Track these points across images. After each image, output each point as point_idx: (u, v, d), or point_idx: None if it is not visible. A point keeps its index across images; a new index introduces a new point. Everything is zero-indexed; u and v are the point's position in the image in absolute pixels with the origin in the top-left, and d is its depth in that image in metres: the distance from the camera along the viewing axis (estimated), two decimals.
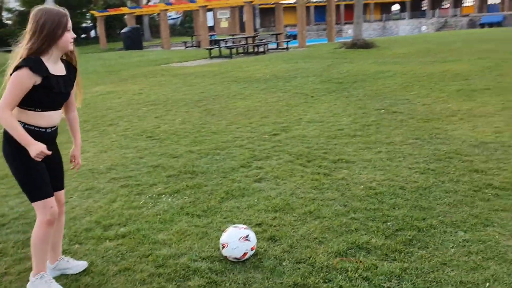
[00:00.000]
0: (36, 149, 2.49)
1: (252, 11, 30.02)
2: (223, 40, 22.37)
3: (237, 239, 3.06)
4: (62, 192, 2.92)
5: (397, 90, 9.18)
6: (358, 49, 18.86)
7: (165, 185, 4.64)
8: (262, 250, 3.21)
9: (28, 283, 2.82)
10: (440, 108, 7.33)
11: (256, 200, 4.09)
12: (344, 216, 3.67)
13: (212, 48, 20.80)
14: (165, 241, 3.43)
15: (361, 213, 3.69)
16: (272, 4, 33.51)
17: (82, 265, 3.06)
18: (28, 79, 2.47)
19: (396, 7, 64.95)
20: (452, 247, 3.10)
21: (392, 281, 2.77)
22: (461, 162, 4.73)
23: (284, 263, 3.04)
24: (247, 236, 3.10)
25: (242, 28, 34.65)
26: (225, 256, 3.11)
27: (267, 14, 52.61)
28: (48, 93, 2.58)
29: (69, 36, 2.59)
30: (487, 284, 2.66)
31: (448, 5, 54.12)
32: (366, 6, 53.15)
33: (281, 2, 29.52)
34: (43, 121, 2.62)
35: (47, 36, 2.50)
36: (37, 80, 2.50)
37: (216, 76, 13.23)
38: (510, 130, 5.78)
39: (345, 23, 51.40)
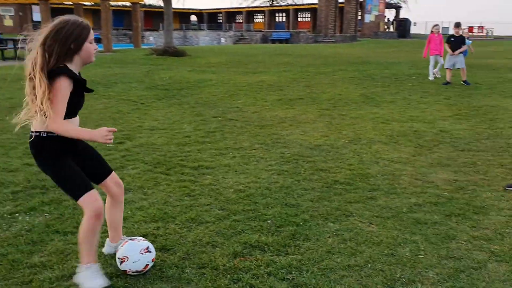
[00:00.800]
0: (101, 134, 2.58)
1: (48, 10, 27.59)
2: (12, 39, 19.61)
3: (138, 252, 2.92)
4: (113, 175, 3.01)
5: (225, 99, 9.68)
6: (170, 56, 19.10)
7: (13, 202, 4.07)
8: (159, 260, 3.13)
9: (77, 274, 2.83)
10: (270, 116, 8.02)
11: (129, 212, 3.91)
12: (226, 219, 3.80)
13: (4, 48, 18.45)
14: (43, 263, 3.05)
15: (241, 215, 3.87)
16: (71, 4, 31.39)
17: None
18: (69, 86, 2.54)
19: (194, 18, 67.43)
20: (329, 237, 3.50)
21: (293, 272, 3.01)
22: (307, 163, 5.31)
23: (187, 270, 3.02)
24: (147, 248, 2.98)
25: (35, 27, 31.51)
26: (124, 271, 2.94)
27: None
28: (79, 100, 2.71)
29: (92, 47, 2.67)
30: (369, 265, 3.11)
31: (241, 20, 58.61)
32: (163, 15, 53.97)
33: (81, 2, 27.95)
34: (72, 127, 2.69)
35: (72, 45, 2.57)
36: (71, 87, 2.57)
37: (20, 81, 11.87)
38: (333, 134, 6.70)
39: (145, 30, 51.20)
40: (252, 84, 11.71)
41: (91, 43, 2.66)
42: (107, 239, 3.21)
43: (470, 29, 43.91)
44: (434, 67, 12.67)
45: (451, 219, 3.81)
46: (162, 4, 22.15)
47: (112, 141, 2.62)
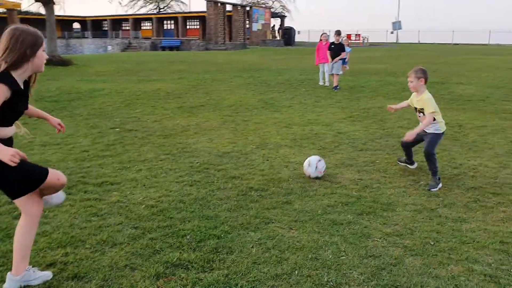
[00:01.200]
0: (8, 153, 2.45)
1: None
2: None
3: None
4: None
5: (121, 108, 9.23)
6: (55, 66, 17.84)
7: None
8: None
9: None
10: (172, 124, 7.79)
11: None
12: (141, 238, 3.56)
13: None
14: None
15: (157, 232, 3.65)
16: None
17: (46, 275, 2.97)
18: (3, 94, 2.49)
19: (77, 26, 63.87)
20: (252, 247, 3.44)
21: None
22: (218, 172, 5.22)
23: None
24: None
25: None
26: None
27: None
28: (15, 109, 2.67)
29: (45, 55, 2.70)
30: (296, 272, 3.09)
31: (128, 28, 56.77)
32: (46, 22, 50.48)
33: None
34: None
35: (25, 52, 2.58)
36: (8, 95, 2.53)
37: None
38: (240, 140, 6.68)
39: None
40: (148, 92, 11.33)
41: (44, 51, 2.71)
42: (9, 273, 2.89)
43: (349, 36, 47.08)
44: (323, 74, 13.18)
45: (363, 218, 3.96)
46: (42, 11, 20.59)
47: (16, 164, 2.44)
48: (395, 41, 56.30)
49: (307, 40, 60.13)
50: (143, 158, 5.73)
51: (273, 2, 64.31)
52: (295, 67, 18.48)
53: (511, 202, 4.28)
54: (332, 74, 12.35)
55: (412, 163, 5.34)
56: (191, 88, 12.31)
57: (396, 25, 56.45)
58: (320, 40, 13.19)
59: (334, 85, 12.11)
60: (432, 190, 4.63)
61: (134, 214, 4.00)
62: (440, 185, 4.72)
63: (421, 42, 55.23)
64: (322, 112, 8.93)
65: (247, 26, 48.00)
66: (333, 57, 12.24)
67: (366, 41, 48.47)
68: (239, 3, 52.46)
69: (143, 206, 4.19)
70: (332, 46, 12.38)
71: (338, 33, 12.73)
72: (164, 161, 5.62)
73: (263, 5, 59.65)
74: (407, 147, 5.20)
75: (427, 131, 4.90)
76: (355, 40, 48.26)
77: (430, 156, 4.82)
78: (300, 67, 18.46)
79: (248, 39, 47.19)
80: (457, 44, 49.26)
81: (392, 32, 56.35)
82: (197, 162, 5.57)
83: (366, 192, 4.59)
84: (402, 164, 5.41)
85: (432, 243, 3.48)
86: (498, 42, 49.77)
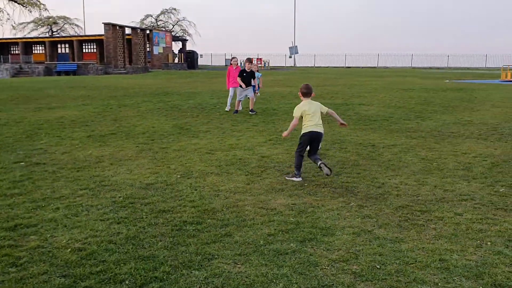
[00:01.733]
0: None
1: None
2: None
3: None
4: None
5: (23, 140, 8.43)
6: None
7: None
8: None
9: None
10: (84, 155, 7.24)
11: None
12: (73, 287, 3.17)
13: None
14: None
15: (90, 280, 3.27)
16: None
17: None
18: None
19: None
20: (200, 287, 3.21)
21: None
22: (145, 206, 4.89)
23: None
24: None
25: None
26: None
27: None
28: None
29: None
30: None
31: (18, 52, 53.08)
32: None
33: None
34: None
35: None
36: None
37: None
38: (162, 169, 6.37)
39: None
40: (51, 121, 10.51)
41: None
42: None
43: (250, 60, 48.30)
44: (233, 99, 12.91)
45: (306, 245, 3.91)
46: None
47: None
48: (293, 65, 58.75)
49: (209, 63, 60.62)
50: (58, 195, 5.21)
51: (173, 26, 64.15)
52: (204, 91, 18.39)
53: (438, 218, 4.50)
54: (241, 100, 12.34)
55: (320, 166, 5.84)
56: (97, 115, 11.66)
57: (293, 50, 59.02)
58: (231, 64, 13.18)
59: (250, 108, 12.16)
60: (286, 178, 5.97)
61: (60, 260, 3.57)
62: (299, 179, 5.87)
63: (316, 65, 58.24)
64: (242, 136, 8.90)
65: (148, 49, 47.20)
66: (246, 84, 12.21)
67: (267, 65, 50.00)
68: (138, 26, 51.54)
69: (69, 250, 3.76)
70: (244, 74, 12.28)
71: (249, 60, 12.81)
72: (83, 197, 5.15)
73: (164, 29, 59.23)
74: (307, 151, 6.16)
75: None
76: (257, 63, 49.59)
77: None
78: (210, 90, 18.41)
79: (149, 62, 46.36)
80: (349, 67, 52.65)
81: (290, 57, 58.79)
82: (120, 197, 5.18)
83: (303, 217, 4.56)
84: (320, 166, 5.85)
85: (379, 267, 3.50)
86: (385, 64, 54.10)
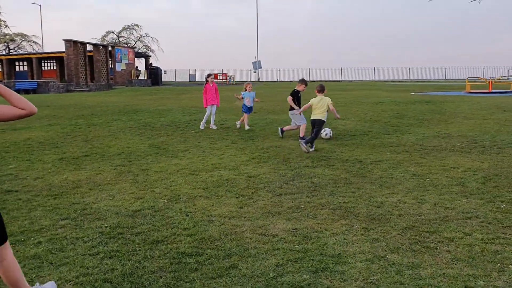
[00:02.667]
0: None
1: None
2: None
3: None
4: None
5: None
6: None
7: None
8: None
9: None
10: (58, 180, 6.75)
11: None
12: None
13: None
14: None
15: None
16: None
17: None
18: None
19: None
20: None
21: None
22: (136, 236, 4.50)
23: None
24: None
25: None
26: None
27: None
28: None
29: None
30: None
31: None
32: None
33: None
34: None
35: None
36: None
37: None
38: (147, 194, 5.98)
39: None
40: (18, 143, 9.88)
41: None
42: None
43: (216, 76, 48.00)
44: (208, 118, 12.43)
45: (320, 276, 3.63)
46: None
47: None
48: (257, 80, 58.91)
49: (173, 79, 60.03)
50: (38, 227, 4.74)
51: (135, 42, 63.31)
52: (174, 108, 17.95)
53: (449, 240, 4.32)
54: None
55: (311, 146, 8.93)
56: (67, 136, 11.08)
57: (256, 65, 59.25)
58: (207, 81, 12.68)
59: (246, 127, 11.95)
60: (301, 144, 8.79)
61: None
62: (312, 149, 8.80)
63: (281, 80, 58.61)
64: (223, 155, 8.58)
65: (110, 66, 46.24)
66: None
67: (232, 80, 49.89)
68: (99, 43, 50.55)
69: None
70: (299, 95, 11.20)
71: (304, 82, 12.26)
72: (66, 228, 4.71)
73: (126, 45, 58.33)
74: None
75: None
76: (222, 79, 49.39)
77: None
78: (179, 107, 17.99)
79: (112, 79, 45.39)
80: (313, 81, 53.22)
81: (254, 71, 58.94)
82: (107, 226, 4.77)
83: (309, 244, 4.29)
84: (304, 146, 8.67)
85: None
86: (349, 78, 55.04)
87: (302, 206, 5.43)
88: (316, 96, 9.21)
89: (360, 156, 8.26)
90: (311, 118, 9.22)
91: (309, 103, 9.27)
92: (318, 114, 9.05)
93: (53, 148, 9.48)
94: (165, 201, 5.68)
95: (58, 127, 12.65)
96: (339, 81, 53.58)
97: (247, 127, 11.89)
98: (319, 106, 9.06)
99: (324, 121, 9.13)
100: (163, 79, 52.66)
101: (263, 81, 55.32)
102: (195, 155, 8.63)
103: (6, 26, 22.57)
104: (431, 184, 6.31)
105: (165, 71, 56.56)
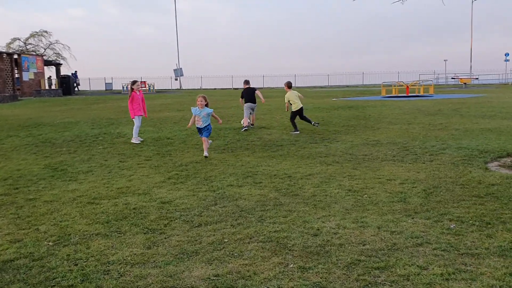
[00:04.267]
0: None
1: None
2: None
3: None
4: None
5: None
6: None
7: None
8: None
9: None
10: None
11: None
12: None
13: None
14: None
15: None
16: None
17: None
18: None
19: None
20: None
21: None
22: None
23: None
24: None
25: None
26: None
27: None
28: None
29: None
30: None
31: None
32: None
33: None
34: None
35: None
36: None
37: None
38: (28, 234, 4.69)
39: None
40: None
41: None
42: None
43: (144, 83, 45.76)
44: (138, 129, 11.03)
45: None
46: None
47: None
48: (179, 88, 57.27)
49: (88, 88, 56.79)
50: None
51: (45, 49, 59.17)
52: (83, 119, 16.24)
53: (403, 278, 3.52)
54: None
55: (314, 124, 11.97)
56: None
57: (178, 72, 57.58)
58: (133, 89, 11.01)
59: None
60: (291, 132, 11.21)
61: None
62: (297, 132, 11.31)
63: (204, 87, 57.44)
64: (133, 175, 7.37)
65: (17, 75, 42.53)
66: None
67: (152, 88, 47.91)
68: (4, 50, 46.51)
69: None
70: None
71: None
72: None
73: (34, 53, 54.27)
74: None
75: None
76: (141, 87, 47.23)
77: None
78: (90, 119, 16.31)
79: (19, 90, 41.74)
80: (237, 88, 52.67)
81: (176, 79, 57.22)
82: None
83: None
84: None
85: None
86: (270, 85, 55.09)
87: (226, 240, 4.44)
88: (287, 92, 12.05)
89: (289, 170, 7.43)
90: (293, 110, 11.83)
91: (287, 100, 11.94)
92: (299, 105, 11.81)
93: None
94: (50, 243, 4.44)
95: None
96: (261, 88, 53.39)
97: (206, 154, 8.71)
98: (296, 98, 11.83)
99: (302, 107, 11.95)
100: (80, 89, 49.50)
101: (184, 89, 53.81)
102: (98, 177, 7.34)
103: None
104: (370, 201, 5.59)
105: (78, 84, 53.11)
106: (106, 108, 21.77)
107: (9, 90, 39.30)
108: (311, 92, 37.08)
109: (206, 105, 8.89)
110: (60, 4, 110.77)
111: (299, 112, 11.80)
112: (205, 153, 8.62)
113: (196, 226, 4.86)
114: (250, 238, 4.46)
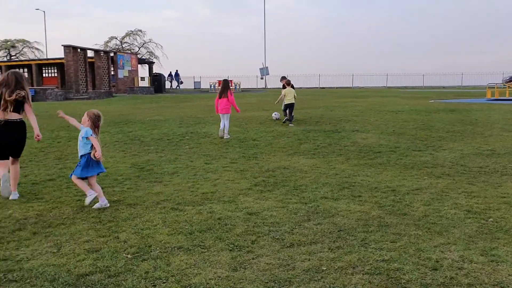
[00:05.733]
0: None
1: None
2: None
3: None
4: None
5: None
6: None
7: None
8: None
9: None
10: (2, 217, 5.12)
11: None
12: None
13: None
14: None
15: None
16: None
17: None
18: None
19: None
20: None
21: None
22: None
23: None
24: None
25: None
26: None
27: None
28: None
29: None
30: None
31: None
32: None
33: None
34: None
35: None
36: None
37: None
38: (107, 244, 4.32)
39: None
40: None
41: None
42: None
43: (220, 82, 46.35)
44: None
45: None
46: None
47: None
48: (264, 87, 57.29)
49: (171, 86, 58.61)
50: None
51: (139, 48, 62.05)
52: (171, 117, 16.31)
53: None
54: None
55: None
56: (39, 152, 9.49)
57: (264, 71, 57.64)
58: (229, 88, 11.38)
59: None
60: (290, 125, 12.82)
61: None
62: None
63: None
64: (218, 179, 6.90)
65: (112, 73, 44.85)
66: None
67: (238, 87, 48.30)
68: (101, 49, 49.31)
69: None
70: None
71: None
72: None
73: (129, 51, 57.04)
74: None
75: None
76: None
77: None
78: (178, 117, 16.35)
79: (114, 86, 43.97)
80: (324, 87, 51.56)
81: (261, 78, 57.30)
82: None
83: None
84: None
85: None
86: (360, 84, 53.28)
87: (324, 268, 3.74)
88: (286, 88, 14.29)
89: (392, 182, 6.55)
90: (286, 103, 13.91)
91: (283, 94, 14.14)
92: (290, 100, 13.79)
93: None
94: (129, 256, 4.02)
95: (34, 140, 11.04)
96: (350, 87, 51.79)
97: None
98: (289, 95, 13.84)
99: (294, 103, 13.84)
100: (166, 87, 51.24)
101: (269, 88, 53.67)
102: (184, 179, 6.96)
103: None
104: (498, 227, 4.60)
105: (181, 82, 55.32)
106: (193, 107, 21.92)
107: (105, 87, 41.44)
108: (403, 92, 35.08)
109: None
110: (155, 5, 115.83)
111: (289, 106, 13.74)
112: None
113: (287, 246, 4.21)
114: (354, 268, 3.72)
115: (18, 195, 5.97)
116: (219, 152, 9.26)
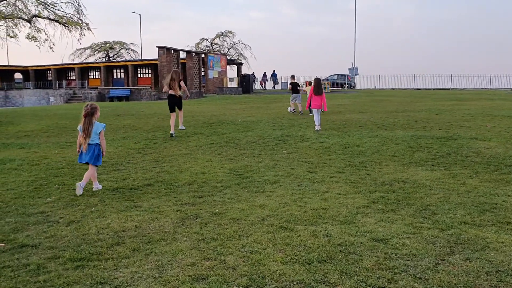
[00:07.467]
0: None
1: None
2: None
3: None
4: None
5: (26, 196, 6.11)
6: None
7: None
8: None
9: None
10: (97, 229, 4.77)
11: None
12: None
13: None
14: None
15: None
16: None
17: None
18: None
19: (18, 76, 59.54)
20: None
21: None
22: None
23: None
24: None
25: None
26: None
27: None
28: None
29: None
30: None
31: (74, 77, 53.25)
32: None
33: None
34: None
35: None
36: None
37: None
38: (214, 268, 3.71)
39: None
40: (74, 162, 8.22)
41: None
42: None
43: (307, 82, 45.42)
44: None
45: None
46: None
47: None
48: (353, 87, 55.43)
49: (265, 87, 58.55)
50: None
51: (228, 49, 62.88)
52: (263, 119, 15.79)
53: None
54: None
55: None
56: (136, 154, 9.30)
57: (353, 71, 55.83)
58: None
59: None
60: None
61: None
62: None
63: (380, 87, 54.60)
64: (327, 192, 6.12)
65: (203, 73, 45.69)
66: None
67: (327, 88, 47.10)
68: (193, 50, 50.47)
69: None
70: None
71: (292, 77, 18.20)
72: None
73: (219, 52, 57.96)
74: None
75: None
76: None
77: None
78: (270, 118, 15.79)
79: (204, 87, 44.77)
80: (419, 89, 48.74)
81: (351, 78, 55.55)
82: None
83: None
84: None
85: None
86: (459, 86, 49.70)
87: None
88: (308, 87, 15.35)
89: None
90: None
91: (308, 92, 14.24)
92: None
93: (113, 171, 7.67)
94: None
95: (131, 141, 10.98)
96: (448, 89, 48.38)
97: None
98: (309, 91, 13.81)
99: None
100: (254, 87, 51.28)
101: (358, 89, 51.77)
102: (288, 190, 6.26)
103: (88, 28, 21.95)
104: None
105: (257, 79, 55.36)
106: (284, 108, 21.29)
107: (196, 87, 42.26)
108: (510, 95, 31.89)
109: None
110: (243, 7, 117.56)
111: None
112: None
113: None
114: None
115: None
116: (321, 159, 8.46)
